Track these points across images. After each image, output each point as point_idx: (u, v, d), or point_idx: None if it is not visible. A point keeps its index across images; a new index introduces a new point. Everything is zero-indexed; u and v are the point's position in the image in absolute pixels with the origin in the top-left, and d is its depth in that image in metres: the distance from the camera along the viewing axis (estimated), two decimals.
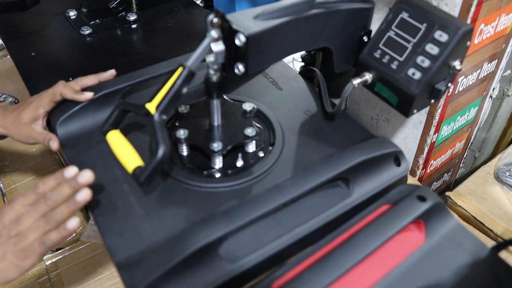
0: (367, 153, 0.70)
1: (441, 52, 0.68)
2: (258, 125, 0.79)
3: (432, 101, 0.76)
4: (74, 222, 0.60)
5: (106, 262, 1.11)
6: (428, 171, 1.11)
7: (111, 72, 0.82)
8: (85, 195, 0.60)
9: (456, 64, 0.72)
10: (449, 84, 0.75)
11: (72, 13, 1.13)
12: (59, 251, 1.15)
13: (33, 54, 1.01)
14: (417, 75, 0.70)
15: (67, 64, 1.00)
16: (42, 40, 1.07)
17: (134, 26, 1.11)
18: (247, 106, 0.76)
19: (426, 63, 0.69)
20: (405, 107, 0.73)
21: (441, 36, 0.68)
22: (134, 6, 1.13)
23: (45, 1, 1.16)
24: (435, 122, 0.97)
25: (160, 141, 0.63)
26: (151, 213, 0.66)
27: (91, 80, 0.79)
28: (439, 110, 0.95)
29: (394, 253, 0.63)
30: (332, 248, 0.59)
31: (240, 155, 0.73)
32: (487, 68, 1.01)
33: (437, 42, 0.69)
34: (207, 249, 0.58)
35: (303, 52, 1.55)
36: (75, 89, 0.77)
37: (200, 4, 1.40)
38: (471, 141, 1.20)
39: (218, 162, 0.71)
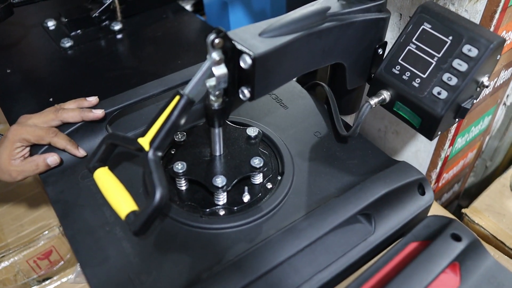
0: (390, 183, 0.62)
1: (470, 68, 0.61)
2: (264, 151, 0.70)
3: (457, 120, 0.68)
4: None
5: None
6: (440, 184, 1.05)
7: (94, 101, 0.72)
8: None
9: (485, 80, 0.65)
10: (475, 101, 0.68)
11: (51, 24, 1.04)
12: (47, 282, 1.06)
13: (8, 71, 0.92)
14: (444, 94, 0.62)
15: (47, 81, 0.90)
16: (18, 55, 0.97)
17: (119, 36, 1.02)
18: (252, 132, 0.68)
19: (454, 81, 0.62)
20: (429, 129, 0.66)
21: (470, 50, 0.61)
22: (119, 14, 1.04)
23: (20, 11, 1.06)
24: (450, 136, 0.90)
25: (156, 183, 0.54)
26: (148, 262, 0.57)
27: (73, 117, 0.70)
28: (455, 125, 0.88)
29: None
30: None
31: (246, 188, 0.65)
32: (504, 76, 0.94)
33: (465, 57, 0.61)
34: None
35: None
36: (66, 137, 0.69)
37: (190, 9, 1.31)
38: (482, 150, 1.13)
39: (222, 198, 0.63)
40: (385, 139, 1.02)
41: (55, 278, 1.07)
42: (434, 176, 0.99)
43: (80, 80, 0.90)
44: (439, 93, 0.63)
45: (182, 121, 0.57)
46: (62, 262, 1.10)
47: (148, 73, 0.91)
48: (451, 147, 0.94)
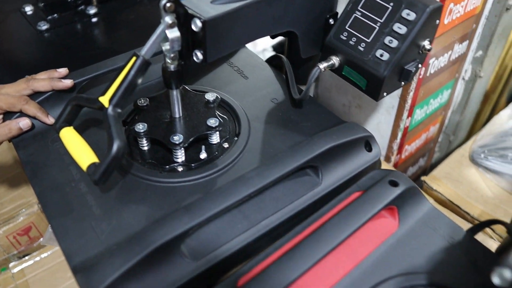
0: (336, 139, 0.67)
1: (409, 31, 0.66)
2: (222, 115, 0.75)
3: (403, 83, 0.73)
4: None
5: None
6: (403, 156, 1.09)
7: (64, 72, 0.77)
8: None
9: (426, 43, 0.70)
10: (420, 65, 0.73)
11: (29, 8, 1.08)
12: (27, 257, 1.10)
13: None
14: (386, 56, 0.67)
15: (24, 61, 0.95)
16: None
17: (94, 19, 1.06)
18: (210, 96, 0.73)
19: (394, 43, 0.67)
20: (375, 90, 0.70)
21: (409, 14, 0.66)
22: None
23: None
24: (407, 106, 0.95)
25: (114, 135, 0.59)
26: (109, 212, 0.62)
27: (44, 86, 0.74)
28: (411, 94, 0.93)
29: (367, 241, 0.60)
30: (301, 240, 0.56)
31: (203, 147, 0.69)
32: (458, 49, 0.99)
33: (404, 21, 0.66)
34: (168, 246, 0.55)
35: (273, 42, 1.51)
36: (36, 105, 0.73)
37: None
38: (445, 124, 1.18)
39: (181, 156, 0.68)
40: (350, 113, 1.06)
41: (34, 254, 1.10)
42: (395, 147, 1.03)
43: (55, 59, 0.94)
44: (381, 55, 0.68)
45: (139, 80, 0.62)
46: (42, 239, 1.14)
47: (120, 53, 0.96)
48: (409, 118, 0.99)
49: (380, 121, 1.02)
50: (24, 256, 1.10)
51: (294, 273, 0.52)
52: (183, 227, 0.55)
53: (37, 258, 1.09)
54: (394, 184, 0.62)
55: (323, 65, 0.72)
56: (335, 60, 0.72)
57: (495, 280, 0.42)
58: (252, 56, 0.89)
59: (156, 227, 0.55)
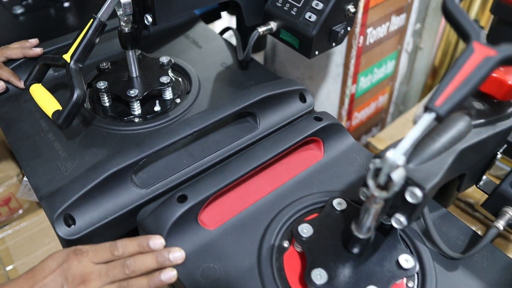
0: (272, 89, 0.77)
1: None
2: (176, 77, 0.85)
3: (334, 44, 0.83)
4: (171, 274, 0.55)
5: (53, 232, 1.16)
6: (353, 123, 1.20)
7: (35, 42, 0.86)
8: (171, 275, 0.55)
9: (350, 7, 0.80)
10: (348, 28, 0.83)
11: None
12: (6, 227, 1.18)
13: None
14: (313, 17, 0.77)
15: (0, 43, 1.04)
16: None
17: (66, 4, 1.16)
18: (164, 59, 0.83)
19: (320, 6, 0.77)
20: (306, 49, 0.80)
21: None
22: None
23: None
24: (350, 73, 1.05)
25: (75, 85, 0.68)
26: (73, 155, 0.71)
27: (16, 53, 0.83)
28: (353, 61, 1.03)
29: (294, 167, 0.70)
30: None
31: (157, 101, 0.79)
32: (396, 21, 1.10)
33: None
34: (120, 175, 0.64)
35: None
36: (10, 70, 0.81)
37: None
38: (394, 95, 1.29)
39: (137, 109, 0.77)
40: (304, 84, 1.16)
41: (14, 223, 1.19)
42: (344, 113, 1.14)
43: None
44: (310, 17, 0.78)
45: (97, 40, 0.72)
46: (21, 211, 1.23)
47: None
48: (355, 85, 1.09)
49: (329, 89, 1.12)
50: (4, 226, 1.19)
51: (220, 183, 0.62)
52: (132, 158, 0.65)
53: (17, 227, 1.19)
54: (318, 119, 0.72)
55: (261, 29, 0.82)
56: (273, 25, 0.82)
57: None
58: (206, 29, 0.99)
59: (110, 158, 0.65)
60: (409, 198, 0.50)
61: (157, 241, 0.57)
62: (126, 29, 0.74)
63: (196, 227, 0.63)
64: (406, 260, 0.57)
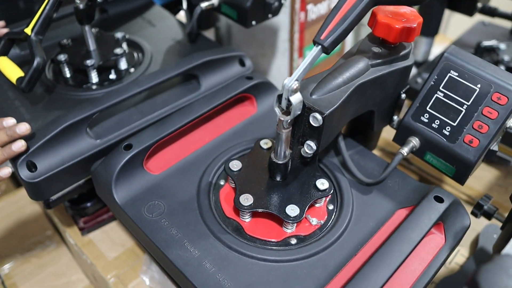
0: (212, 54, 0.87)
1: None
2: (131, 51, 0.94)
3: (270, 15, 0.92)
4: (7, 171, 0.67)
5: (30, 211, 1.23)
6: None
7: (1, 23, 0.94)
8: (20, 145, 0.68)
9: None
10: (282, 2, 0.92)
11: None
12: None
13: None
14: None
15: None
16: None
17: None
18: (119, 35, 0.92)
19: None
20: (244, 19, 0.90)
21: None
22: None
23: None
24: (296, 47, 1.15)
25: (36, 54, 0.77)
26: (37, 117, 0.80)
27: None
28: (296, 35, 1.13)
29: (230, 120, 0.80)
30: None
31: (113, 71, 0.88)
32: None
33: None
34: (76, 127, 0.73)
35: None
36: None
37: None
38: None
39: (94, 77, 0.87)
40: (257, 62, 1.27)
41: None
42: None
43: None
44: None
45: (54, 14, 0.81)
46: None
47: None
48: (301, 58, 1.19)
49: (279, 64, 1.22)
50: None
51: (164, 132, 0.71)
52: (87, 113, 0.74)
53: None
54: (249, 78, 0.82)
55: (204, 4, 0.92)
56: (214, 0, 0.92)
57: (311, 120, 0.60)
58: (161, 12, 1.09)
59: (67, 113, 0.74)
60: (312, 123, 0.60)
61: (9, 120, 0.69)
62: (81, 6, 0.84)
63: (142, 172, 0.72)
64: (322, 184, 0.67)
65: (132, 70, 0.90)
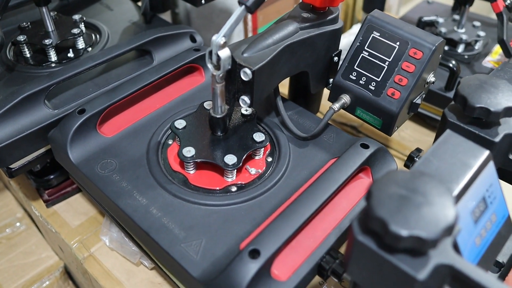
0: (164, 31, 0.93)
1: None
2: (88, 32, 1.00)
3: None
4: None
5: None
6: None
7: None
8: None
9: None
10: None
11: None
12: None
13: None
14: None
15: None
16: None
17: None
18: (76, 17, 0.98)
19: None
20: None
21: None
22: None
23: None
24: (249, 28, 1.22)
25: None
26: None
27: None
28: (249, 16, 1.20)
29: (179, 88, 0.86)
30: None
31: (71, 50, 0.94)
32: None
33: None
34: (33, 98, 0.79)
35: None
36: None
37: None
38: None
39: (53, 56, 0.92)
40: None
41: None
42: None
43: None
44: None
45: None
46: None
47: None
48: None
49: (232, 39, 1.28)
50: None
51: (115, 98, 0.77)
52: (43, 85, 0.79)
53: None
54: (196, 50, 0.88)
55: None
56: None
57: (242, 75, 0.66)
58: None
59: (24, 85, 0.79)
60: (243, 77, 0.66)
61: None
62: None
63: (96, 134, 0.77)
64: (259, 136, 0.73)
65: (89, 49, 0.96)
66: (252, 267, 0.56)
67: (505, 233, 0.61)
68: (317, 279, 0.80)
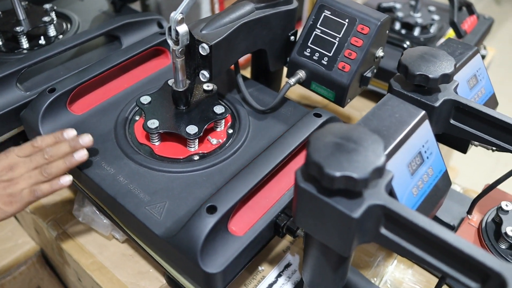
0: (131, 18, 0.97)
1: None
2: (60, 22, 1.04)
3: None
4: (67, 179, 0.67)
5: None
6: None
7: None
8: (83, 154, 0.67)
9: None
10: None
11: None
12: None
13: None
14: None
15: None
16: None
17: None
18: (47, 6, 1.02)
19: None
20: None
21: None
22: None
23: None
24: (216, 11, 1.27)
25: None
26: None
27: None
28: (216, 6, 1.25)
29: (147, 70, 0.91)
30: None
31: (43, 37, 0.98)
32: None
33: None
34: (5, 80, 0.82)
35: None
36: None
37: None
38: None
39: (25, 43, 0.96)
40: None
41: None
42: None
43: None
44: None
45: None
46: None
47: None
48: None
49: None
50: None
51: (84, 78, 0.81)
52: (14, 68, 0.83)
53: None
54: (162, 33, 0.93)
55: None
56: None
57: (201, 50, 0.71)
58: None
59: None
60: (202, 52, 0.71)
61: (70, 132, 0.69)
62: None
63: (66, 112, 0.81)
64: (219, 109, 0.78)
65: (60, 36, 1.00)
66: (209, 221, 0.61)
67: (442, 186, 0.66)
68: (281, 247, 0.86)
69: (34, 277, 1.11)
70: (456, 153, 1.82)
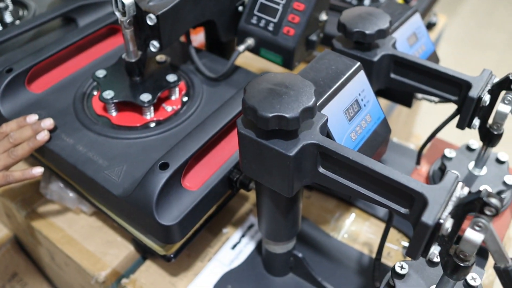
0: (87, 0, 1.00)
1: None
2: (16, 8, 1.07)
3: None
4: (39, 170, 0.74)
5: None
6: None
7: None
8: (44, 135, 0.73)
9: None
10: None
11: None
12: None
13: None
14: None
15: None
16: None
17: None
18: None
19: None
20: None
21: None
22: None
23: None
24: None
25: None
26: None
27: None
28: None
29: (103, 49, 0.93)
30: None
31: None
32: None
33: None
34: None
35: None
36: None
37: None
38: None
39: None
40: None
41: None
42: None
43: None
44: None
45: None
46: None
47: None
48: None
49: None
50: None
51: (41, 57, 0.84)
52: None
53: None
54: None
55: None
56: None
57: (148, 21, 0.74)
58: None
59: None
60: (150, 22, 0.75)
61: (32, 117, 0.76)
62: None
63: (24, 91, 0.84)
64: (172, 77, 0.82)
65: (17, 22, 1.02)
66: (162, 177, 0.64)
67: (382, 132, 0.71)
68: (244, 210, 0.90)
69: (10, 263, 1.12)
70: (420, 122, 1.89)
